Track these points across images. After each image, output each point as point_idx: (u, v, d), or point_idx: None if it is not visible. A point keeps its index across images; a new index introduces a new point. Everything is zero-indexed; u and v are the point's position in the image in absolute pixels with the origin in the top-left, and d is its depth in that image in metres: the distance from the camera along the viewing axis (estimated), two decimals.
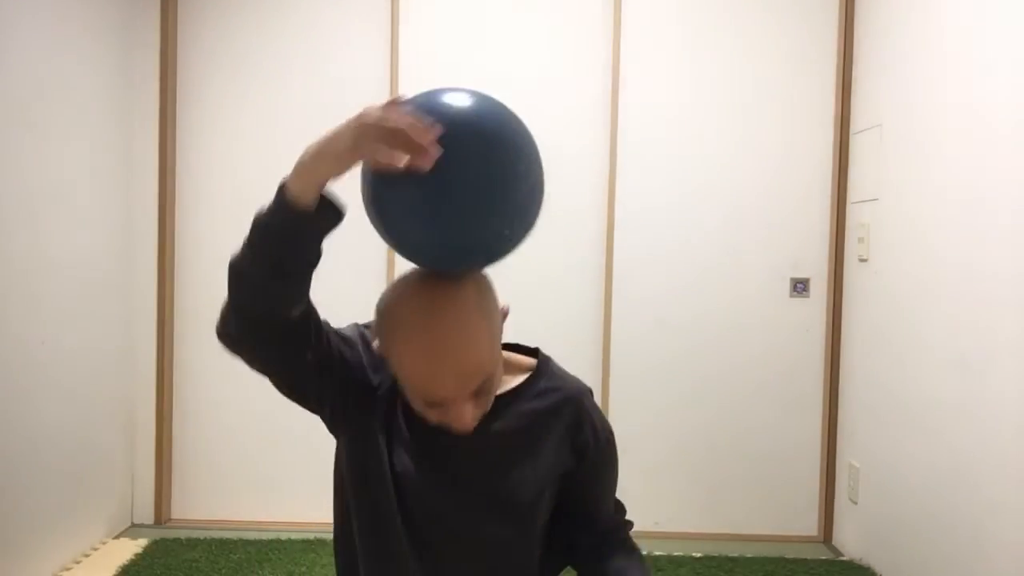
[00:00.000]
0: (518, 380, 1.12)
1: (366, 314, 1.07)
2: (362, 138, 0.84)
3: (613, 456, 1.18)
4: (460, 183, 0.88)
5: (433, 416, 0.99)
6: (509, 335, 1.12)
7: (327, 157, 0.86)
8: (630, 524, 1.23)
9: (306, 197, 0.87)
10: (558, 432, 1.11)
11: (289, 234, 0.88)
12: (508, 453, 1.08)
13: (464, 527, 1.08)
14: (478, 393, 0.98)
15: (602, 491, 1.18)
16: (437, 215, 0.88)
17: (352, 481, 1.09)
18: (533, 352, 1.18)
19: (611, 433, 1.17)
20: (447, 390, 0.95)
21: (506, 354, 1.12)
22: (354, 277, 2.97)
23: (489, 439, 1.06)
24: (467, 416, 0.97)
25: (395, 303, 0.97)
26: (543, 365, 1.15)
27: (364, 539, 1.08)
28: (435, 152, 0.83)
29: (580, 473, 1.14)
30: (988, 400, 2.19)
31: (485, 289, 1.00)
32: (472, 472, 1.08)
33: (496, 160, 0.90)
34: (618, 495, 1.23)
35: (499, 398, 1.06)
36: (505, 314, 1.03)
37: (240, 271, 0.92)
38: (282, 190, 0.87)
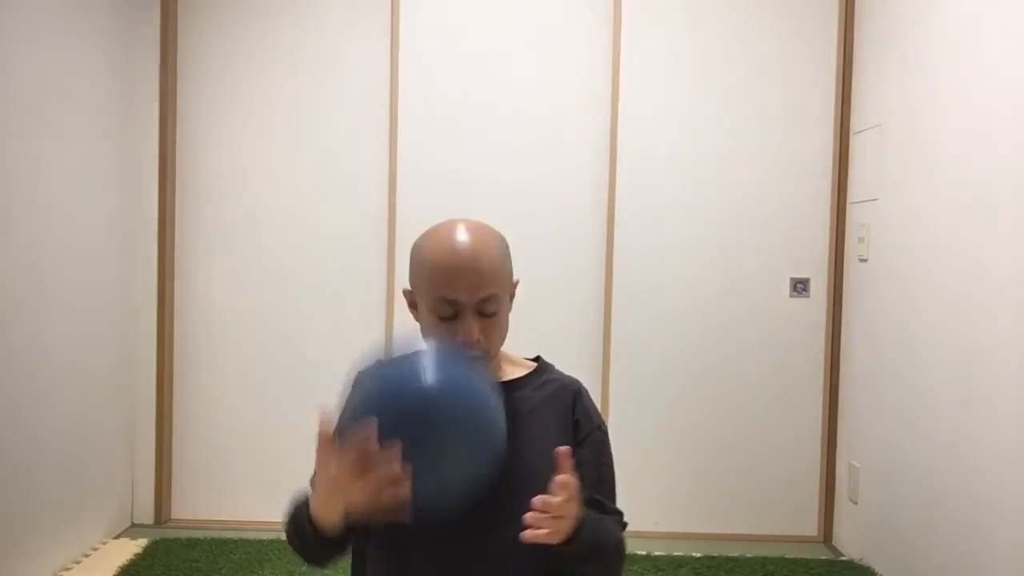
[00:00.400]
0: (521, 373, 1.25)
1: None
2: (338, 491, 0.98)
3: (607, 447, 1.24)
4: (435, 458, 0.97)
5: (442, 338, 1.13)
6: (511, 340, 1.21)
7: (333, 515, 1.01)
8: (624, 524, 1.24)
9: (333, 525, 1.02)
10: (558, 412, 1.22)
11: (331, 547, 1.09)
12: (518, 430, 1.14)
13: (483, 505, 1.10)
14: (484, 312, 1.11)
15: (599, 479, 1.21)
16: (427, 484, 0.97)
17: None
18: (534, 360, 1.30)
19: (605, 425, 1.25)
20: (462, 288, 1.08)
21: (510, 355, 1.26)
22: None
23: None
24: (473, 331, 1.10)
25: (428, 231, 1.15)
26: (543, 365, 1.29)
27: (376, 538, 1.15)
28: (395, 452, 0.93)
29: (578, 455, 1.17)
30: (988, 400, 2.19)
31: (505, 241, 1.18)
32: None
33: (457, 435, 1.00)
34: (618, 494, 1.24)
35: (505, 384, 1.18)
36: (516, 283, 1.17)
37: (299, 552, 1.13)
38: (313, 523, 1.04)
